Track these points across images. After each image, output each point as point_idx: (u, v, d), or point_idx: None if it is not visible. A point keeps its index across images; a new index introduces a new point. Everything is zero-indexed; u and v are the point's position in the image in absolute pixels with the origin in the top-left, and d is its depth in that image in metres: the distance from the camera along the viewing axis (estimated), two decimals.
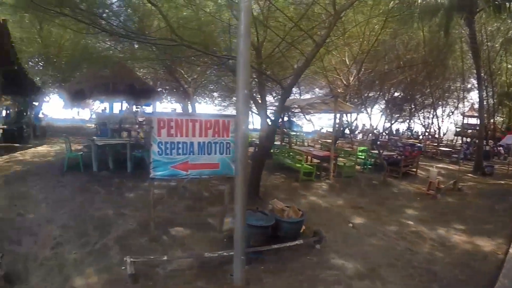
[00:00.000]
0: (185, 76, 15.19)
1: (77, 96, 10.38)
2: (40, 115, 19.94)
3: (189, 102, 19.58)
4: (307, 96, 24.13)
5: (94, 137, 9.77)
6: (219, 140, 5.27)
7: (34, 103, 17.52)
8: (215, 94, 26.04)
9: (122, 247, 5.13)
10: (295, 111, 15.96)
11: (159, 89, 19.79)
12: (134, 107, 17.83)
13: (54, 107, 35.83)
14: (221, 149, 5.31)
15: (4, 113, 16.67)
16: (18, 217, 6.06)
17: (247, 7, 3.42)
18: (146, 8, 8.51)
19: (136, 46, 12.74)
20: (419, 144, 21.51)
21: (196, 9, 8.22)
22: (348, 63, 15.44)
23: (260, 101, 8.57)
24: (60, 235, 5.42)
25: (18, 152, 12.12)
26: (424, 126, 30.27)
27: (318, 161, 11.23)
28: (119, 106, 13.45)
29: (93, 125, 25.58)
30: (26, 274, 4.35)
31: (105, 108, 23.38)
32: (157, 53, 11.09)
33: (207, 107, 30.30)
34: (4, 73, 10.87)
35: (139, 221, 6.11)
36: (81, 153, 9.91)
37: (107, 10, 7.61)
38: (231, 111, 25.69)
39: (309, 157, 11.65)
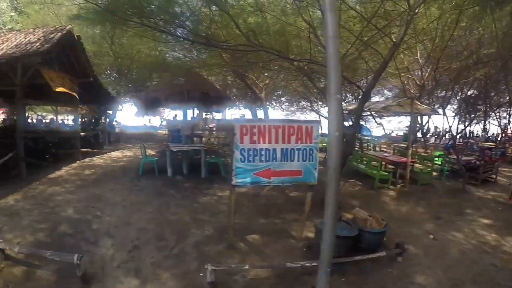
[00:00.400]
0: (256, 81, 15.10)
1: (153, 103, 10.80)
2: (114, 123, 21.34)
3: (259, 108, 19.60)
4: (376, 98, 23.29)
5: (169, 143, 10.09)
6: (302, 146, 5.13)
7: (108, 111, 18.72)
8: (283, 99, 25.90)
9: (200, 253, 5.16)
10: (365, 114, 15.21)
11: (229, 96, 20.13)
12: (204, 114, 18.19)
13: (126, 115, 38.53)
14: (304, 155, 5.15)
15: (81, 121, 17.86)
16: (95, 219, 6.31)
17: (332, 5, 3.16)
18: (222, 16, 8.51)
19: (205, 54, 12.92)
20: (499, 148, 19.12)
21: (276, 12, 8.09)
22: (420, 62, 14.56)
23: None
24: (137, 238, 5.63)
25: (94, 157, 12.80)
26: (500, 127, 27.00)
27: (393, 167, 10.60)
28: (190, 113, 13.76)
29: (164, 132, 26.96)
30: (103, 275, 4.53)
31: (175, 115, 24.47)
32: (228, 60, 11.21)
33: (274, 112, 30.18)
34: (81, 84, 11.68)
35: (216, 227, 6.12)
36: (156, 158, 10.30)
37: (183, 19, 7.71)
38: (299, 116, 25.34)
39: (383, 163, 11.04)
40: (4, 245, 4.58)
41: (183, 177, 9.45)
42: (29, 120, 20.92)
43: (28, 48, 9.11)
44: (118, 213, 6.66)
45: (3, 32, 12.43)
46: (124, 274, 4.48)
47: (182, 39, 7.81)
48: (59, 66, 10.33)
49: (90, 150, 13.50)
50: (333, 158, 3.32)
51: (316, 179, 5.25)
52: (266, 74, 15.14)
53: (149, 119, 29.89)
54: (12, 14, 21.20)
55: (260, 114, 21.92)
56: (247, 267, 4.50)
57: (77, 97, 11.23)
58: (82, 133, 13.63)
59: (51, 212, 6.56)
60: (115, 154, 14.30)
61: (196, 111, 15.32)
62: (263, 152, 4.93)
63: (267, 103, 19.23)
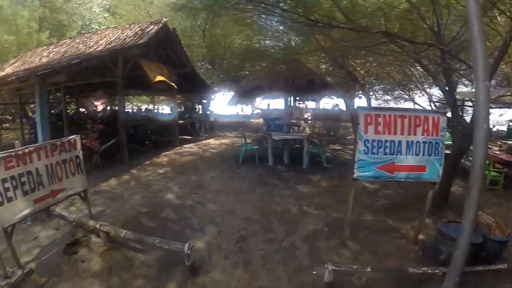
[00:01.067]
0: (357, 68, 14.09)
1: (252, 91, 10.81)
2: (208, 112, 22.13)
3: (358, 97, 18.56)
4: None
5: (271, 132, 10.03)
6: (427, 139, 4.63)
7: (203, 100, 19.38)
8: (377, 87, 24.20)
9: (311, 248, 4.82)
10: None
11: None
12: (297, 103, 17.77)
13: (218, 104, 39.84)
14: (430, 149, 4.66)
15: (178, 109, 18.69)
16: (199, 206, 6.32)
17: None
18: None
19: (299, 40, 12.47)
20: None
21: None
22: None
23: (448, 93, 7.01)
24: (244, 228, 5.36)
25: (191, 144, 13.35)
26: None
27: (502, 167, 9.12)
28: (283, 102, 13.52)
29: (256, 121, 27.22)
30: (211, 266, 4.35)
31: (269, 104, 24.44)
32: (326, 46, 10.60)
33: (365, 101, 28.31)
34: (178, 75, 12.12)
35: (325, 221, 5.71)
36: (257, 146, 10.15)
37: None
38: (393, 105, 23.40)
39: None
40: (110, 229, 4.72)
41: (284, 167, 9.25)
42: (127, 110, 23.07)
43: (127, 42, 9.79)
44: (222, 201, 6.60)
45: (100, 30, 13.58)
46: (232, 266, 4.34)
47: (284, 19, 7.44)
48: (157, 58, 10.76)
49: (187, 137, 14.17)
50: (480, 154, 3.03)
51: (440, 176, 4.72)
52: (370, 59, 14.01)
53: (242, 108, 30.54)
54: (106, 15, 23.54)
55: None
56: (369, 269, 4.04)
57: (175, 86, 11.71)
58: (180, 121, 14.31)
59: (154, 197, 6.74)
60: (211, 141, 14.60)
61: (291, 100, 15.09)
62: (387, 144, 4.54)
63: (361, 91, 17.97)
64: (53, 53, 12.13)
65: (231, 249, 4.72)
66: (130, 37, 9.92)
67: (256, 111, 29.92)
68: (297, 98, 15.63)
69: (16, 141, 5.21)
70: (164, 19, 10.71)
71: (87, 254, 4.55)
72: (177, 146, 12.68)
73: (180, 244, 4.13)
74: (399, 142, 4.56)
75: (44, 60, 11.81)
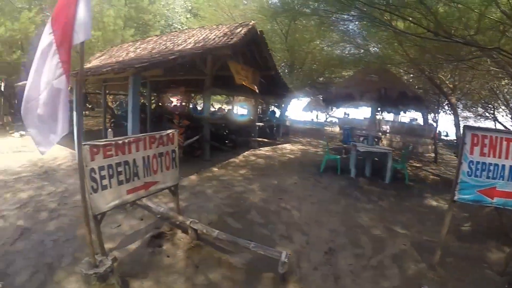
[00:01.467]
0: (446, 82, 13.43)
1: (341, 99, 10.61)
2: (284, 116, 22.31)
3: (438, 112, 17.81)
4: None
5: (356, 143, 10.07)
6: None
7: (282, 104, 19.85)
8: (458, 102, 22.70)
9: (400, 269, 4.69)
10: None
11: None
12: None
13: (293, 109, 40.12)
14: None
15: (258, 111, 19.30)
16: (284, 212, 6.34)
17: None
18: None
19: (384, 49, 12.24)
20: None
21: None
22: None
23: None
24: (331, 240, 5.30)
25: (269, 147, 13.58)
26: None
27: None
28: (362, 112, 13.30)
29: (330, 129, 26.94)
30: (300, 276, 4.28)
31: (346, 113, 24.10)
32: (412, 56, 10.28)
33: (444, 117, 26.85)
34: (262, 76, 12.43)
35: (412, 241, 5.51)
36: (339, 156, 10.08)
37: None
38: (472, 122, 21.82)
39: None
40: (201, 227, 4.77)
41: (366, 180, 9.06)
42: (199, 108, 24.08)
43: (216, 41, 10.27)
44: (307, 209, 6.56)
45: (185, 29, 14.31)
46: (321, 278, 4.26)
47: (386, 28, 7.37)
48: (243, 60, 11.14)
49: (265, 140, 14.38)
50: None
51: None
52: (456, 72, 13.33)
53: (317, 115, 30.50)
54: (188, 16, 24.73)
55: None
56: None
57: (257, 90, 12.01)
58: (260, 124, 14.62)
59: (238, 197, 6.87)
60: (287, 146, 14.73)
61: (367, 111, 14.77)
62: (491, 168, 4.40)
63: (449, 106, 17.12)
64: (140, 49, 13.05)
65: (319, 261, 4.66)
66: (219, 37, 10.39)
67: (330, 119, 29.72)
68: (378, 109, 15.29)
69: (109, 130, 5.69)
70: (252, 22, 11.10)
71: (172, 249, 4.67)
72: (255, 148, 13.00)
73: (276, 250, 4.15)
74: (503, 166, 4.38)
75: (132, 55, 12.72)
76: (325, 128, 27.46)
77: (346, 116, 25.35)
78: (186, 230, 5.03)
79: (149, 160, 4.57)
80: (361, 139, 14.84)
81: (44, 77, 3.15)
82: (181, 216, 5.17)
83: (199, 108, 22.55)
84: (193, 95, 22.28)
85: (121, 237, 4.89)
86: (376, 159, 10.11)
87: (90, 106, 23.97)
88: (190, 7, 25.25)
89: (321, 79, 22.19)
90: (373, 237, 5.57)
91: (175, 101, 24.94)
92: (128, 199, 4.32)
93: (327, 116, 30.70)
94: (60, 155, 10.03)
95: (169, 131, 5.02)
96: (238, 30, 10.45)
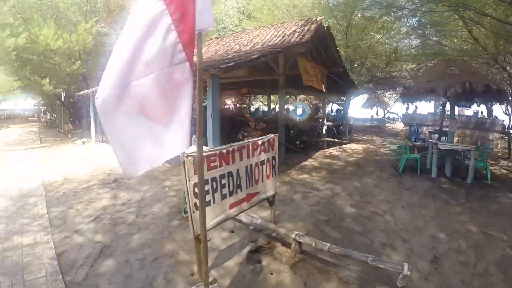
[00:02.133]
0: None
1: (420, 94, 10.07)
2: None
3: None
4: None
5: (437, 141, 9.47)
6: None
7: (344, 102, 19.29)
8: None
9: (506, 276, 4.35)
10: None
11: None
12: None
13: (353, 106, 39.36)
14: None
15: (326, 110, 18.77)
16: (378, 217, 6.03)
17: None
18: None
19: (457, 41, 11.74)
20: None
21: None
22: None
23: None
24: (433, 247, 4.95)
25: (336, 147, 13.40)
26: None
27: None
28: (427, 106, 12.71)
29: (391, 125, 26.09)
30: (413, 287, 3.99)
31: (413, 108, 23.25)
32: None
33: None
34: (329, 74, 12.20)
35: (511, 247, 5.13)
36: (419, 155, 9.51)
37: None
38: None
39: None
40: (309, 240, 4.33)
41: (447, 180, 8.57)
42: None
43: (286, 40, 10.12)
44: (399, 214, 6.25)
45: (247, 30, 14.37)
46: None
47: None
48: (311, 58, 10.79)
49: (333, 140, 14.09)
50: None
51: None
52: None
53: (377, 111, 29.66)
54: (241, 17, 25.00)
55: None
56: None
57: (324, 90, 11.59)
58: (328, 123, 14.13)
59: (327, 203, 6.58)
60: (354, 146, 14.36)
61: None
62: None
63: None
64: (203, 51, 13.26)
65: (428, 270, 4.33)
66: (288, 35, 10.28)
67: (388, 115, 28.89)
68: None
69: (193, 136, 5.69)
70: (319, 17, 10.86)
71: (274, 265, 4.31)
72: (324, 148, 12.81)
73: (397, 263, 3.84)
74: None
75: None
76: (386, 124, 26.72)
77: (415, 111, 24.41)
78: (286, 243, 4.71)
79: (251, 169, 4.24)
80: (432, 135, 14.10)
81: (147, 56, 2.22)
82: (283, 229, 4.74)
83: (252, 109, 22.68)
84: (248, 96, 22.55)
85: (215, 253, 4.57)
86: (457, 157, 9.60)
87: None
88: (242, 9, 25.51)
89: (381, 74, 21.57)
90: (472, 242, 5.22)
91: (229, 102, 25.44)
92: (231, 214, 3.95)
93: (386, 112, 29.76)
94: None
95: (270, 135, 4.70)
96: (307, 27, 10.25)
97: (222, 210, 3.76)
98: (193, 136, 5.00)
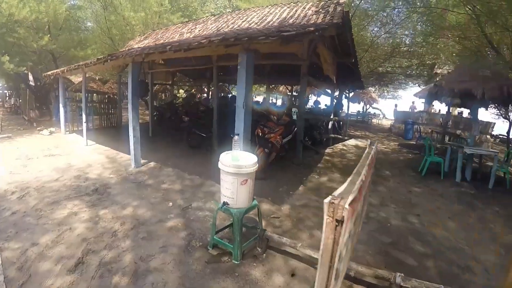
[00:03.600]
0: None
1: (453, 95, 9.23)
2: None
3: None
4: None
5: (463, 145, 8.91)
6: None
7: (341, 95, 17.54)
8: None
9: None
10: None
11: None
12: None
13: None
14: None
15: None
16: (435, 233, 5.03)
17: None
18: None
19: None
20: None
21: None
22: None
23: None
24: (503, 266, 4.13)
25: (339, 144, 12.33)
26: None
27: None
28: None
29: (376, 121, 24.93)
30: None
31: (413, 103, 22.06)
32: None
33: None
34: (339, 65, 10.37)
35: None
36: (442, 158, 8.74)
37: None
38: None
39: None
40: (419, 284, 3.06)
41: (470, 185, 7.91)
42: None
43: (307, 20, 8.13)
44: (452, 227, 5.34)
45: (254, 8, 12.10)
46: None
47: None
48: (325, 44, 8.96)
49: (335, 136, 12.80)
50: None
51: None
52: None
53: (363, 107, 28.42)
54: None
55: None
56: None
57: (334, 80, 9.99)
58: (335, 118, 12.95)
59: (378, 219, 5.41)
60: (355, 142, 13.39)
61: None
62: None
63: None
64: (198, 29, 10.93)
65: None
66: (309, 15, 8.30)
67: (373, 111, 27.69)
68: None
69: (235, 137, 3.78)
70: None
71: None
72: (329, 145, 11.64)
73: None
74: None
75: (188, 35, 10.72)
76: (371, 120, 25.58)
77: (412, 107, 23.39)
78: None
79: (364, 200, 2.96)
80: (435, 135, 13.51)
81: None
82: (382, 270, 3.33)
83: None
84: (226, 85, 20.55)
85: None
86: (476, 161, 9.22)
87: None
88: None
89: (381, 68, 20.17)
90: None
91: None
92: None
93: (368, 107, 28.44)
94: (98, 159, 8.08)
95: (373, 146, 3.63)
96: (330, 8, 8.27)
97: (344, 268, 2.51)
98: (235, 137, 3.68)
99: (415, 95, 13.93)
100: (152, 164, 7.68)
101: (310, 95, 25.25)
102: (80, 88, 12.20)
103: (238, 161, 3.45)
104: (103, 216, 4.79)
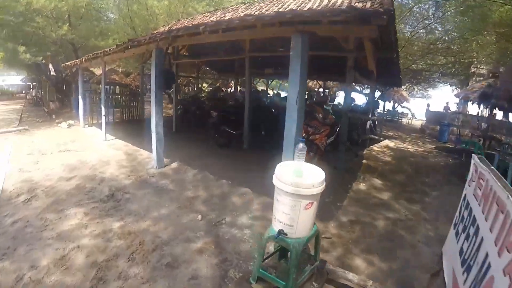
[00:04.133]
0: None
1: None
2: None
3: None
4: None
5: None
6: None
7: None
8: None
9: None
10: None
11: None
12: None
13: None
14: None
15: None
16: None
17: None
18: None
19: None
20: None
21: None
22: None
23: None
24: None
25: (377, 145, 11.25)
26: None
27: None
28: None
29: (406, 121, 24.42)
30: None
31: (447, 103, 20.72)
32: None
33: None
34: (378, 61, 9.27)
35: None
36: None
37: None
38: None
39: None
40: None
41: None
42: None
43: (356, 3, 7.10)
44: None
45: None
46: None
47: None
48: None
49: (373, 137, 11.84)
50: None
51: None
52: None
53: (393, 105, 26.96)
54: None
55: None
56: None
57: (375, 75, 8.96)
58: (374, 117, 12.08)
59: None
60: (389, 143, 12.32)
61: None
62: None
63: None
64: (228, 17, 9.99)
65: None
66: (355, 3, 7.23)
67: (401, 110, 26.22)
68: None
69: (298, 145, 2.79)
70: None
71: None
72: (366, 146, 10.50)
73: None
74: None
75: None
76: (401, 120, 24.16)
77: (447, 107, 22.04)
78: None
79: None
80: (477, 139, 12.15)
81: None
82: None
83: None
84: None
85: None
86: None
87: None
88: None
89: (416, 66, 18.97)
90: None
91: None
92: None
93: (396, 106, 26.94)
94: (117, 156, 7.30)
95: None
96: None
97: None
98: (299, 145, 2.68)
99: (457, 95, 12.69)
100: (175, 164, 6.73)
101: (338, 91, 24.09)
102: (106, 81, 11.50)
103: (302, 177, 2.49)
104: (118, 231, 3.90)
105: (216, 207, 4.74)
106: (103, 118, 9.00)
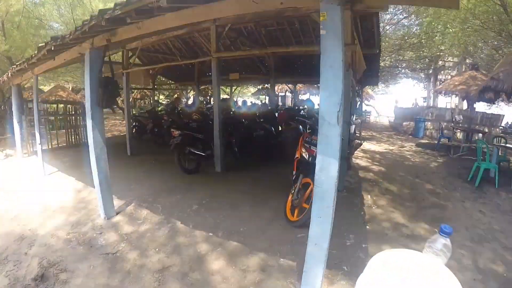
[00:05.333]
0: None
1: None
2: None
3: None
4: None
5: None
6: None
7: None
8: None
9: None
10: None
11: None
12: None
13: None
14: None
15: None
16: None
17: None
18: None
19: None
20: None
21: None
22: None
23: None
24: None
25: (360, 149, 10.62)
26: None
27: None
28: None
29: (374, 119, 24.17)
30: None
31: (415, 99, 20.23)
32: None
33: None
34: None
35: None
36: (496, 164, 7.06)
37: None
38: None
39: None
40: None
41: None
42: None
43: None
44: None
45: None
46: None
47: None
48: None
49: (358, 141, 10.89)
50: None
51: None
52: None
53: (359, 103, 26.56)
54: None
55: None
56: None
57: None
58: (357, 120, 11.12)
59: (487, 268, 3.45)
60: (372, 146, 11.70)
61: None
62: None
63: None
64: None
65: None
66: None
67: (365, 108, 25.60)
68: None
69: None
70: None
71: None
72: (352, 153, 9.28)
73: None
74: None
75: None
76: (368, 118, 23.59)
77: (415, 103, 21.78)
78: None
79: None
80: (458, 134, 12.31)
81: None
82: None
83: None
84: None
85: None
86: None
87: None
88: None
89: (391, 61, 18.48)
90: None
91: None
92: None
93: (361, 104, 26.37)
94: (57, 200, 5.30)
95: None
96: None
97: None
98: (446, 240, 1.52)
99: (438, 90, 12.00)
100: (131, 208, 4.95)
101: (300, 93, 23.04)
102: (51, 99, 9.55)
103: None
104: None
105: (198, 285, 3.06)
106: (38, 146, 7.08)
